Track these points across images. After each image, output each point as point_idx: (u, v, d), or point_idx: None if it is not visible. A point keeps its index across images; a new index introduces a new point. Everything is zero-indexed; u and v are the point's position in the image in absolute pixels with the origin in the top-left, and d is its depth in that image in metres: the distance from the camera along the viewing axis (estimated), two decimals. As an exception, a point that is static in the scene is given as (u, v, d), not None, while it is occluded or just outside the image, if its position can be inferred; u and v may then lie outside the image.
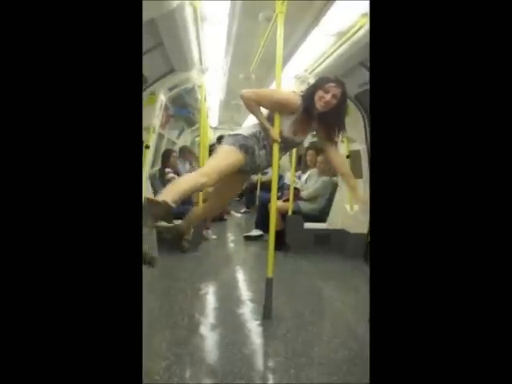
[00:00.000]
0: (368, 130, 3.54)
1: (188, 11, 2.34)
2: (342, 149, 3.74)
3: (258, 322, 2.16)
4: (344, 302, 2.60)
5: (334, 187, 4.02)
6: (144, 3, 0.98)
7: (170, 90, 3.54)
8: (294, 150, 3.91)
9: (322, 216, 3.97)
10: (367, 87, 3.09)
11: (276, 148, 2.08)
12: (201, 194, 3.90)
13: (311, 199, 4.03)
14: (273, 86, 2.17)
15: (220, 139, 6.41)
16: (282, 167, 5.83)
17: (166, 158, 4.41)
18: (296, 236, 3.79)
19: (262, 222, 4.12)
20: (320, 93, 2.01)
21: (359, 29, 2.37)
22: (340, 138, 3.57)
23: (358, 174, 3.65)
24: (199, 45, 2.96)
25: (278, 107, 2.08)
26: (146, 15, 1.88)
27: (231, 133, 2.13)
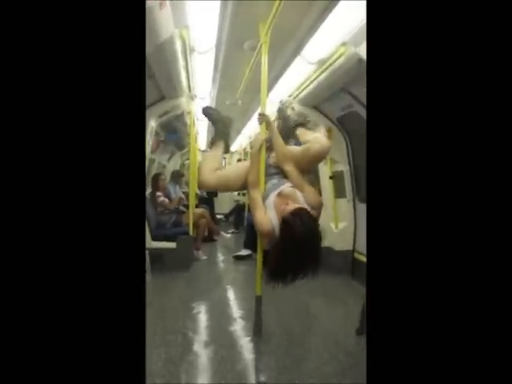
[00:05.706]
0: (350, 151, 3.69)
1: (177, 42, 2.47)
2: (326, 169, 3.89)
3: (249, 339, 2.23)
4: (333, 316, 2.68)
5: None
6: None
7: (161, 116, 3.65)
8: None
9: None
10: (348, 111, 3.26)
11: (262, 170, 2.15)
12: (191, 215, 4.01)
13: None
14: (258, 111, 2.26)
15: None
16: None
17: (155, 182, 4.49)
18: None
19: (251, 242, 4.21)
20: None
21: (339, 57, 2.52)
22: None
23: (341, 194, 3.79)
24: (188, 73, 3.09)
25: None
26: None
27: None
